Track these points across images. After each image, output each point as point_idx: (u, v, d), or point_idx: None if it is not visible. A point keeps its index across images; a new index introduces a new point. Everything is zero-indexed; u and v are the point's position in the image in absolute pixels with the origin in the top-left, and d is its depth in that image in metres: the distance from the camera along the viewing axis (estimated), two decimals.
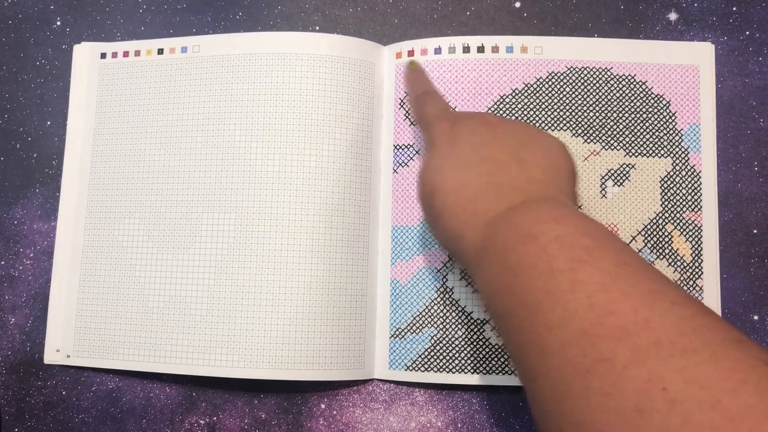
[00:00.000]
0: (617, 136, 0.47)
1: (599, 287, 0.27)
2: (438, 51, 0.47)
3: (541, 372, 0.27)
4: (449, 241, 0.36)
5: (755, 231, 0.46)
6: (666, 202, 0.46)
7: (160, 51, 0.50)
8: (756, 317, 0.46)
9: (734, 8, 0.48)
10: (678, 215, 0.46)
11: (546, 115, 0.47)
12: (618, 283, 0.27)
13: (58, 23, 0.52)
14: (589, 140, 0.47)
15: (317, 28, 0.50)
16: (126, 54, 0.50)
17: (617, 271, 0.27)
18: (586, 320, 0.26)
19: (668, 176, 0.46)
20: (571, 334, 0.26)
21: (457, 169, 0.36)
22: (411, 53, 0.48)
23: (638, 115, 0.47)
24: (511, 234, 0.31)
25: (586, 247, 0.28)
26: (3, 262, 0.50)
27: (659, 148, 0.46)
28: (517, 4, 0.50)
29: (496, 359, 0.45)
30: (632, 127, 0.47)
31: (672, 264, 0.46)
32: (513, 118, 0.47)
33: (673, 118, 0.47)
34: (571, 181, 0.36)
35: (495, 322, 0.32)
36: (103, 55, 0.51)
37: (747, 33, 0.48)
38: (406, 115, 0.47)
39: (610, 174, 0.46)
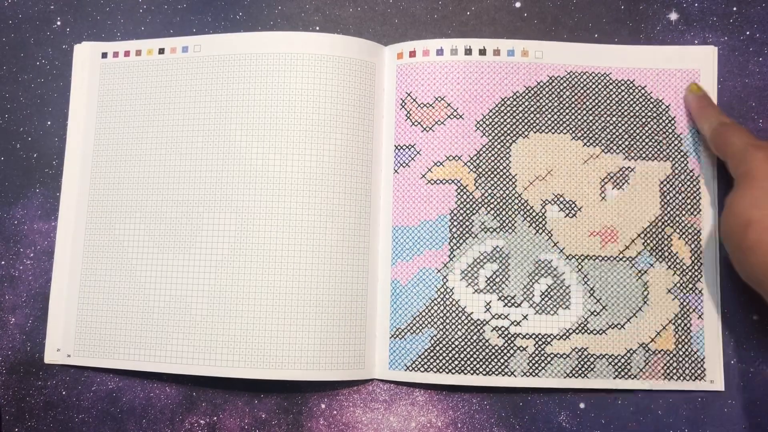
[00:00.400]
0: (617, 139, 0.47)
1: None
2: (440, 52, 0.47)
3: None
4: (759, 275, 0.36)
5: None
6: (665, 206, 0.46)
7: (161, 50, 0.49)
8: (756, 317, 0.46)
9: (734, 8, 0.48)
10: (677, 219, 0.46)
11: (546, 118, 0.47)
12: None
13: (59, 23, 0.52)
14: (588, 143, 0.47)
15: (317, 28, 0.50)
16: (127, 53, 0.50)
17: None
18: None
19: (667, 180, 0.46)
20: None
21: None
22: (413, 54, 0.48)
23: (637, 119, 0.47)
24: None
25: None
26: (3, 262, 0.50)
27: (659, 152, 0.46)
28: (518, 5, 0.50)
29: (495, 359, 0.45)
30: (631, 131, 0.47)
31: (671, 267, 0.46)
32: (514, 119, 0.47)
33: (672, 122, 0.47)
34: None
35: None
36: (104, 55, 0.51)
37: (747, 33, 0.48)
38: (407, 115, 0.47)
39: (609, 177, 0.46)
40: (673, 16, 0.49)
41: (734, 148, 0.41)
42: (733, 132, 0.42)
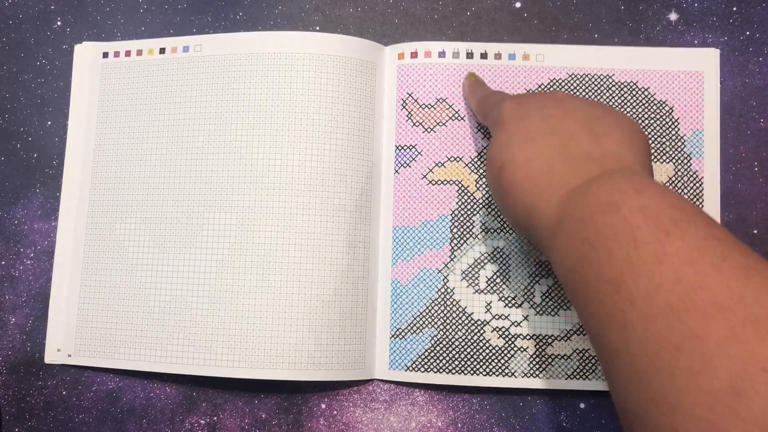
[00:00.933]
0: None
1: (687, 260, 0.25)
2: (442, 54, 0.47)
3: (622, 348, 0.26)
4: (519, 217, 0.35)
5: (755, 231, 0.46)
6: None
7: (162, 50, 0.49)
8: None
9: (734, 8, 0.48)
10: None
11: None
12: (708, 257, 0.25)
13: (59, 23, 0.52)
14: None
15: (317, 28, 0.50)
16: (128, 53, 0.50)
17: (706, 245, 0.26)
18: (674, 294, 0.25)
19: (670, 182, 0.46)
20: (656, 309, 0.25)
21: (526, 141, 0.34)
22: (414, 54, 0.48)
23: (641, 122, 0.47)
24: (590, 204, 0.30)
25: (672, 218, 0.27)
26: (3, 262, 0.50)
27: (661, 154, 0.46)
28: (518, 5, 0.50)
29: (496, 360, 0.45)
30: None
31: None
32: None
33: (675, 124, 0.47)
34: (647, 155, 0.35)
35: (571, 298, 0.31)
36: (105, 55, 0.50)
37: (747, 33, 0.48)
38: (408, 116, 0.47)
39: None
40: (673, 16, 0.49)
41: (490, 105, 0.41)
42: (492, 95, 0.42)
